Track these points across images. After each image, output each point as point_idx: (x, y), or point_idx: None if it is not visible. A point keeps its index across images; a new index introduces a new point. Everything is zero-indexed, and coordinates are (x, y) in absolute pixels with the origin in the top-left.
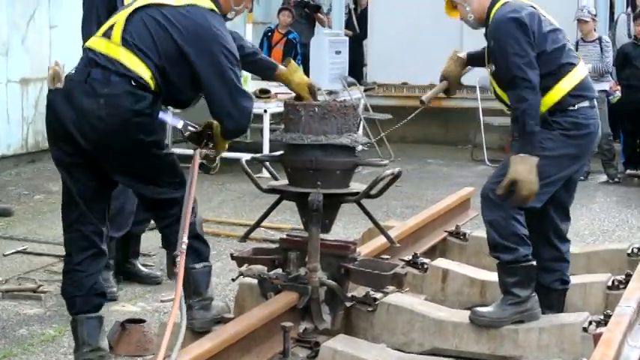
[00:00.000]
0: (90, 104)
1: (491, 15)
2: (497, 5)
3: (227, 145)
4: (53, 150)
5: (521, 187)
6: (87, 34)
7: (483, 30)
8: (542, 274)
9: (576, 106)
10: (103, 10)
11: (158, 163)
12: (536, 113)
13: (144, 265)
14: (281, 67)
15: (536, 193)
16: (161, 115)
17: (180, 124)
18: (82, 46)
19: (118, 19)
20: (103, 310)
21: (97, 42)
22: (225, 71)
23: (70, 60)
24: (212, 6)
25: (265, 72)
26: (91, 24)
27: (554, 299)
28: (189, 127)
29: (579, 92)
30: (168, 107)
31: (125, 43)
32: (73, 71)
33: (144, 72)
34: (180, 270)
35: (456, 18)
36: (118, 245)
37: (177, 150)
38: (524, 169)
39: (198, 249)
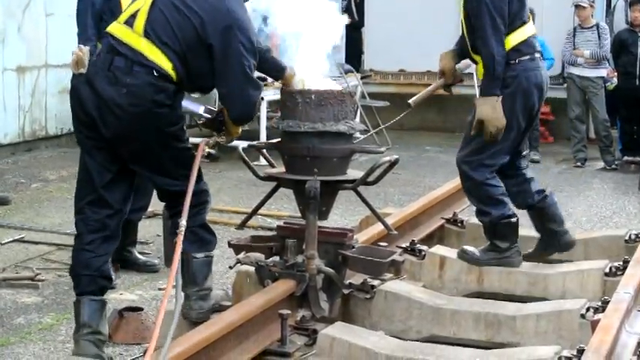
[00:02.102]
0: (112, 92)
1: None
2: None
3: (240, 131)
4: (76, 132)
5: (488, 124)
6: (82, 22)
7: None
8: (518, 197)
9: (517, 60)
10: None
11: (175, 156)
12: (503, 60)
13: (141, 253)
14: (288, 70)
15: (503, 129)
16: (183, 103)
17: (201, 109)
18: (77, 33)
19: (141, 6)
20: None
21: (119, 29)
22: (239, 58)
23: (66, 47)
24: None
25: (272, 73)
26: (86, 13)
27: (541, 213)
28: (206, 114)
29: (523, 48)
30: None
31: (147, 34)
32: (95, 57)
33: (165, 63)
34: (176, 257)
35: None
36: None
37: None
38: (489, 108)
39: (204, 238)
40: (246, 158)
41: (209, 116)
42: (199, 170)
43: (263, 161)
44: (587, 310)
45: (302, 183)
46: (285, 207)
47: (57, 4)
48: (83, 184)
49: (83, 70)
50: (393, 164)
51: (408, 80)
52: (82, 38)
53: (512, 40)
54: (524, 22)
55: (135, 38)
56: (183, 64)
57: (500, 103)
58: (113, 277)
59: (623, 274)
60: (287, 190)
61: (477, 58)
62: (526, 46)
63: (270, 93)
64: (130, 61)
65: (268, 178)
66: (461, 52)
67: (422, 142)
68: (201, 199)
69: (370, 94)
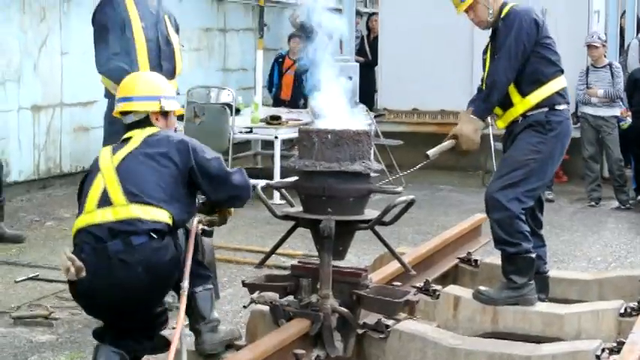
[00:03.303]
0: (130, 278)
1: (504, 12)
2: (509, 5)
3: (232, 211)
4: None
5: (462, 141)
6: (104, 58)
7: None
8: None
9: (562, 105)
10: (114, 36)
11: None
12: (503, 90)
13: None
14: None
15: (473, 150)
16: None
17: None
18: (99, 72)
19: (107, 184)
20: None
21: (96, 216)
22: (210, 164)
23: (81, 86)
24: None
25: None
26: (103, 50)
27: (543, 282)
28: (200, 200)
29: (564, 95)
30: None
31: (133, 198)
32: (79, 253)
33: (163, 215)
34: (179, 320)
35: (464, 15)
36: None
37: None
38: (470, 128)
39: (200, 274)
40: (264, 197)
41: (202, 202)
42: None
43: (277, 200)
44: (602, 351)
45: (318, 222)
46: (299, 246)
47: (72, 43)
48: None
49: (84, 274)
50: (409, 204)
51: (421, 119)
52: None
53: (557, 85)
54: (563, 71)
55: (122, 210)
56: (174, 202)
57: (480, 129)
58: None
59: (638, 314)
60: (301, 228)
61: (498, 111)
62: (565, 94)
63: (284, 132)
64: (126, 236)
65: (285, 217)
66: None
67: (435, 181)
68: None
69: (384, 132)
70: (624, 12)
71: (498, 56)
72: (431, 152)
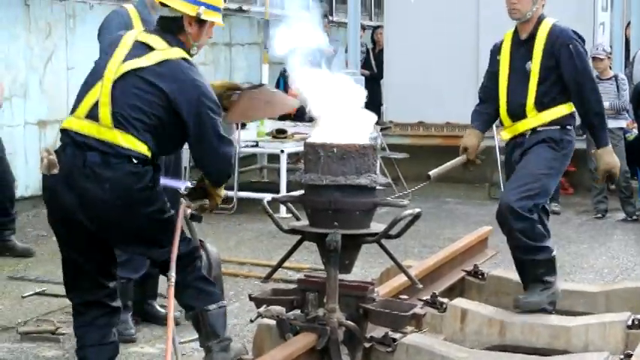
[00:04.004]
0: (94, 190)
1: (543, 24)
2: (549, 20)
3: (222, 193)
4: (55, 228)
5: (616, 171)
6: None
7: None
8: None
9: (573, 125)
10: None
11: (161, 227)
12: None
13: (162, 306)
14: None
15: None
16: (163, 180)
17: (182, 187)
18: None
19: (99, 97)
20: (122, 351)
21: (82, 125)
22: (210, 122)
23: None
24: (183, 54)
25: None
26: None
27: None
28: (189, 185)
29: (575, 116)
30: None
31: (118, 124)
32: (61, 151)
33: (142, 146)
34: (170, 306)
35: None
36: (136, 287)
37: None
38: (611, 157)
39: (206, 290)
40: (271, 211)
41: (191, 186)
42: (182, 234)
43: (283, 214)
44: None
45: (324, 236)
46: (305, 259)
47: (78, 58)
48: (73, 276)
49: (56, 171)
50: (415, 217)
51: (427, 132)
52: None
53: (572, 107)
54: None
55: (105, 131)
56: (157, 141)
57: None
58: (133, 330)
59: None
60: (308, 242)
61: (532, 114)
62: (576, 115)
63: (289, 145)
64: (105, 154)
65: (292, 231)
66: (484, 128)
67: (441, 193)
68: (191, 257)
69: (389, 145)
70: (629, 23)
71: (591, 83)
72: (433, 172)
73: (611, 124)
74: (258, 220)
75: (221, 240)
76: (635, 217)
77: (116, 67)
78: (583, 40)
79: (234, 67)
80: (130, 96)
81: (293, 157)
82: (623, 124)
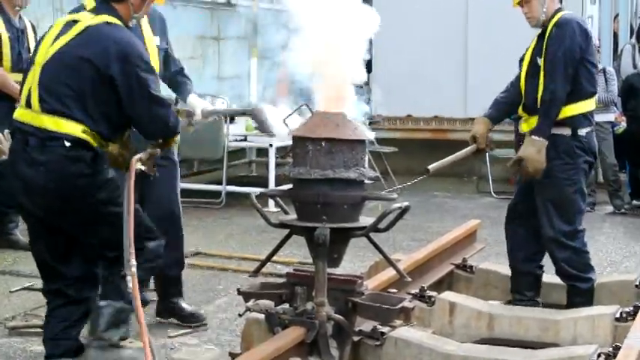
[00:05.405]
0: (31, 174)
1: (557, 16)
2: (562, 13)
3: (177, 139)
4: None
5: (528, 164)
6: None
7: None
8: (530, 262)
9: (586, 131)
10: None
11: (111, 222)
12: (561, 104)
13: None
14: (193, 95)
15: (541, 172)
16: None
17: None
18: None
19: (32, 82)
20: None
21: (22, 113)
22: (140, 81)
23: None
24: (107, 18)
25: (180, 94)
26: None
27: (538, 283)
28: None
29: (590, 118)
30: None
31: (45, 110)
32: (14, 141)
33: (75, 128)
34: (135, 291)
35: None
36: (160, 285)
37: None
38: (534, 150)
39: (116, 285)
40: (258, 205)
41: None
42: (153, 229)
43: (272, 208)
44: (599, 356)
45: (313, 230)
46: (294, 253)
47: None
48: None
49: (5, 157)
50: (404, 211)
51: (415, 125)
52: None
53: (585, 107)
54: (595, 94)
55: (36, 117)
56: (96, 114)
57: (545, 148)
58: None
59: (634, 319)
60: (296, 236)
61: (523, 114)
62: (592, 116)
63: (279, 139)
64: (40, 139)
65: (280, 225)
66: (497, 115)
67: (430, 187)
68: (145, 256)
69: (378, 139)
70: (617, 15)
71: (553, 68)
72: (432, 166)
73: (600, 117)
74: (247, 214)
75: (210, 234)
76: (623, 211)
77: (45, 50)
78: (584, 32)
79: (222, 60)
80: (58, 76)
81: (282, 151)
82: (611, 117)
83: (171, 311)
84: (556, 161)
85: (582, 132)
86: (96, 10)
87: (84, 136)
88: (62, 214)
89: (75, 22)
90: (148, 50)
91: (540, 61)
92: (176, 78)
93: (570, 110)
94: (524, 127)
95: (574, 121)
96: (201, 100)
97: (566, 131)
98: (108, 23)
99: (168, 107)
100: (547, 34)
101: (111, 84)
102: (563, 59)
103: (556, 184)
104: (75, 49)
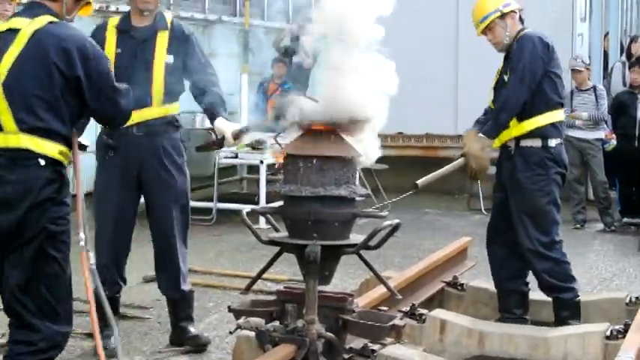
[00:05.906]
0: (3, 193)
1: (519, 35)
2: (523, 32)
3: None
4: None
5: (471, 161)
6: None
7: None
8: (515, 280)
9: (556, 142)
10: None
11: (49, 284)
12: (514, 113)
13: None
14: (220, 119)
15: (485, 170)
16: None
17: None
18: None
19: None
20: None
21: None
22: (100, 75)
23: None
24: (50, 18)
25: (208, 115)
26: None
27: (525, 300)
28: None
29: (559, 128)
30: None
31: (23, 126)
32: None
33: (52, 148)
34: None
35: (484, 37)
36: (169, 310)
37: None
38: (478, 146)
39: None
40: (249, 222)
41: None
42: (69, 309)
43: (263, 225)
44: None
45: (304, 247)
46: (285, 270)
47: None
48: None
49: None
50: (395, 228)
51: (406, 143)
52: None
53: (554, 117)
54: (563, 105)
55: (12, 139)
56: (65, 118)
57: (488, 149)
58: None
59: (624, 337)
60: (287, 253)
61: (513, 124)
62: (561, 127)
63: (269, 156)
64: (11, 159)
65: (271, 242)
66: (479, 128)
67: (421, 204)
68: (49, 343)
69: None
70: (607, 33)
71: (511, 77)
72: (421, 181)
73: (590, 134)
74: (238, 231)
75: (200, 251)
76: (613, 228)
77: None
78: (546, 45)
79: None
80: (24, 90)
81: (272, 168)
82: (601, 134)
83: (180, 336)
84: (527, 173)
85: (552, 143)
86: (28, 11)
87: (58, 157)
88: (16, 236)
89: (11, 30)
90: (154, 68)
91: (506, 78)
92: (205, 105)
93: (539, 121)
94: (495, 143)
95: (543, 132)
96: (228, 122)
97: (537, 142)
98: (52, 22)
99: (128, 95)
100: (511, 54)
101: (77, 83)
102: (522, 71)
103: (529, 196)
104: (33, 58)
